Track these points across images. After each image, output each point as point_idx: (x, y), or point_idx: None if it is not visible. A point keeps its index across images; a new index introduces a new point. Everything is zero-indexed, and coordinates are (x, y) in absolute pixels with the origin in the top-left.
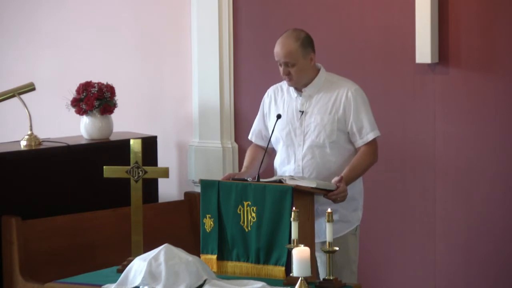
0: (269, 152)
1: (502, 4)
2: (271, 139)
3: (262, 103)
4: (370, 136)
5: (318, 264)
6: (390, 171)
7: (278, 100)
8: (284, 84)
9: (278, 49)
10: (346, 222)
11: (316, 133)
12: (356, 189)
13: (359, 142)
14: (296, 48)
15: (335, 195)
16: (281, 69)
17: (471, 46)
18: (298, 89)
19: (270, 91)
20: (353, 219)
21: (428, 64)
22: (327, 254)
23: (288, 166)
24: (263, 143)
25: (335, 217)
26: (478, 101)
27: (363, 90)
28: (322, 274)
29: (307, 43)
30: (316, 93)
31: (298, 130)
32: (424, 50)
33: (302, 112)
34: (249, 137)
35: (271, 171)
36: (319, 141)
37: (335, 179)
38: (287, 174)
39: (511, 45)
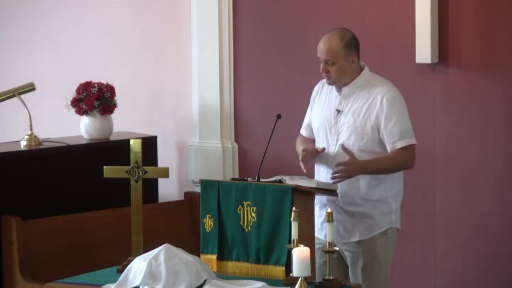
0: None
1: (502, 4)
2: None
3: (312, 94)
4: (397, 145)
5: (348, 264)
6: None
7: (323, 94)
8: None
9: (321, 46)
10: (375, 224)
11: (348, 134)
12: (387, 193)
13: (389, 148)
14: (340, 47)
15: (341, 164)
16: (321, 66)
17: (471, 46)
18: (339, 88)
19: (320, 83)
20: (383, 221)
21: (428, 64)
22: (328, 254)
23: (321, 163)
24: (310, 135)
25: (365, 218)
26: (478, 101)
27: (400, 95)
28: (351, 275)
29: (352, 44)
30: (355, 93)
31: (333, 129)
32: (424, 50)
33: (339, 111)
34: (300, 131)
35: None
36: (349, 142)
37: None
38: (321, 171)
39: (511, 45)
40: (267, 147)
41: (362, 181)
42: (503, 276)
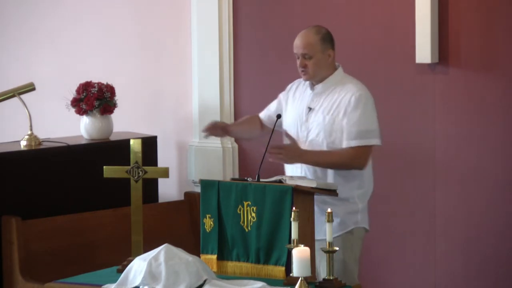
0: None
1: (502, 4)
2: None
3: (286, 89)
4: (351, 143)
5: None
6: (390, 171)
7: (297, 93)
8: None
9: (297, 41)
10: (341, 223)
11: (317, 132)
12: (353, 192)
13: (344, 144)
14: (316, 41)
15: (276, 147)
16: (298, 62)
17: (471, 46)
18: (313, 86)
19: (296, 82)
20: (349, 221)
21: (428, 64)
22: (327, 254)
23: None
24: (264, 119)
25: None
26: (478, 101)
27: (370, 96)
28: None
29: (328, 39)
30: (327, 91)
31: (303, 126)
32: (424, 50)
33: (310, 108)
34: (260, 114)
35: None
36: (318, 139)
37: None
38: (290, 166)
39: (511, 45)
40: (267, 147)
41: (330, 178)
42: (503, 276)
